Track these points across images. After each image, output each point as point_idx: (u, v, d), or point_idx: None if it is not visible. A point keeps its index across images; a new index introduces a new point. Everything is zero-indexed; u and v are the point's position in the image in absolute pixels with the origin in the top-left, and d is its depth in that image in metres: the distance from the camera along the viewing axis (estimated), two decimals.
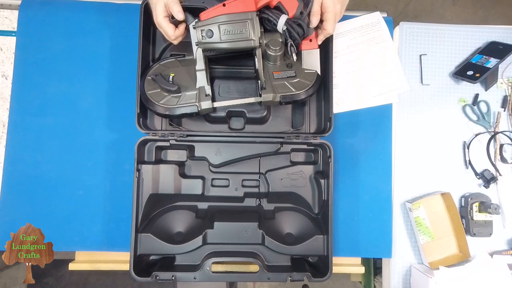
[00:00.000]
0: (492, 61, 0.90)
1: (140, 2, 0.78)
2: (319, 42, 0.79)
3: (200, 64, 0.76)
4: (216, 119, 0.86)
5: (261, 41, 0.72)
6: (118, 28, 0.90)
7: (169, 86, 0.75)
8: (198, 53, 0.74)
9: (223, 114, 0.84)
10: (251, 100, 0.79)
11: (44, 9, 0.90)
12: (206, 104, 0.76)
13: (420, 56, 0.94)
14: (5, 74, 0.90)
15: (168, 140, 0.82)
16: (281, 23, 0.73)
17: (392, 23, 0.95)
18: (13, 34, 0.90)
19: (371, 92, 0.92)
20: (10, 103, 0.87)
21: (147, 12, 0.79)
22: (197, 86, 0.77)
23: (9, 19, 0.92)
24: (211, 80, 0.82)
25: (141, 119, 0.80)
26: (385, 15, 0.96)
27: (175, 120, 0.86)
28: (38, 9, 0.90)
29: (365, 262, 1.00)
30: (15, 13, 0.90)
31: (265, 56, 0.78)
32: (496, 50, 0.92)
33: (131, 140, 0.81)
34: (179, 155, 0.88)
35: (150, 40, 0.84)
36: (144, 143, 0.83)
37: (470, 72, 0.90)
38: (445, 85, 0.94)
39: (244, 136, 0.83)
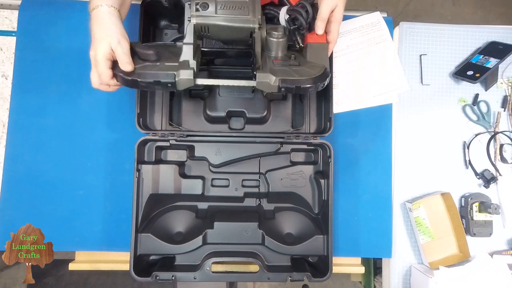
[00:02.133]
0: (492, 61, 0.90)
1: (139, 2, 0.78)
2: (328, 54, 0.71)
3: (189, 38, 0.64)
4: (216, 119, 0.86)
5: (260, 23, 0.64)
6: None
7: (146, 50, 0.62)
8: (189, 27, 0.64)
9: (223, 114, 0.84)
10: (243, 82, 0.66)
11: (44, 9, 0.90)
12: (185, 74, 0.62)
13: (420, 56, 0.94)
14: (5, 74, 0.90)
15: (168, 140, 0.82)
16: (282, 13, 0.70)
17: (392, 23, 0.95)
18: (13, 34, 0.90)
19: (371, 92, 0.92)
20: (10, 103, 0.87)
21: (147, 12, 0.79)
22: (181, 60, 0.64)
23: (9, 19, 0.92)
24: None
25: (141, 119, 0.80)
26: (385, 15, 0.96)
27: (175, 119, 0.86)
28: (38, 9, 0.90)
29: (365, 262, 1.00)
30: (15, 13, 0.90)
31: (266, 47, 0.69)
32: (496, 50, 0.92)
33: (131, 140, 0.81)
34: (179, 155, 0.88)
35: (150, 40, 0.84)
36: (144, 143, 0.83)
37: (470, 72, 0.90)
38: (445, 85, 0.94)
39: (244, 136, 0.83)
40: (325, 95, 0.85)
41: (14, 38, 0.89)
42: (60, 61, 0.89)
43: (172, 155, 0.88)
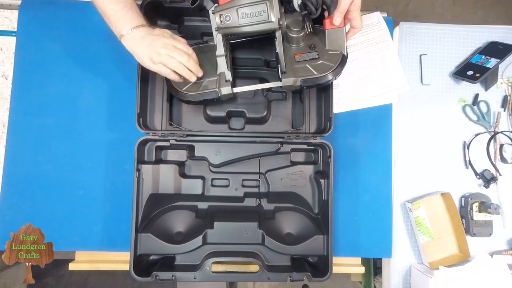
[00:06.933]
0: (492, 61, 0.90)
1: (140, 2, 0.78)
2: (349, 39, 0.76)
3: (220, 50, 0.74)
4: (216, 119, 0.86)
5: (281, 23, 0.69)
6: None
7: None
8: (218, 38, 0.73)
9: (223, 114, 0.84)
10: (271, 85, 0.78)
11: (44, 9, 0.90)
12: (226, 90, 0.75)
13: (420, 56, 0.94)
14: (5, 74, 0.90)
15: (168, 140, 0.82)
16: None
17: (392, 23, 0.95)
18: (13, 34, 0.90)
19: (371, 92, 0.92)
20: (10, 103, 0.87)
21: (147, 12, 0.79)
22: (218, 72, 0.76)
23: (9, 19, 0.92)
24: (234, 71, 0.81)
25: (141, 119, 0.80)
26: (385, 15, 0.96)
27: (175, 119, 0.86)
28: (38, 9, 0.90)
29: (365, 262, 1.00)
30: (15, 13, 0.90)
31: (287, 38, 0.76)
32: (496, 50, 0.92)
33: (131, 140, 0.81)
34: (179, 155, 0.88)
35: None
36: (144, 143, 0.83)
37: (470, 72, 0.90)
38: (445, 85, 0.94)
39: (244, 136, 0.83)
40: (325, 95, 0.85)
41: (14, 38, 0.89)
42: (60, 61, 0.89)
43: (172, 155, 0.88)
